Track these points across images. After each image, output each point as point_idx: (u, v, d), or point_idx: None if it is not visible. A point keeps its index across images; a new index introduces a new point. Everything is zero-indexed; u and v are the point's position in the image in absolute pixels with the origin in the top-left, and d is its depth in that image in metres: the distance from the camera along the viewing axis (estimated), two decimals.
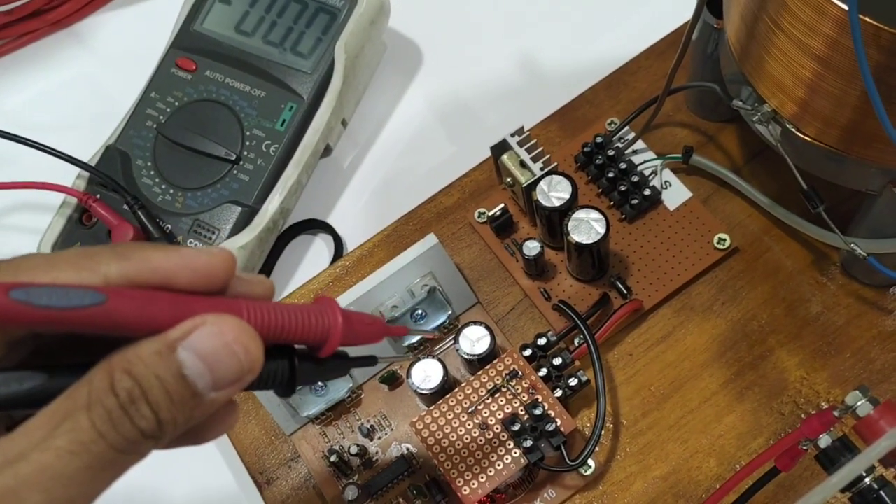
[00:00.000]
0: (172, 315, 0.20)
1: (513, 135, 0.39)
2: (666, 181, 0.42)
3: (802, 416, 0.37)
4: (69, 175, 0.44)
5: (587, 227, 0.37)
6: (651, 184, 0.41)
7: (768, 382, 0.38)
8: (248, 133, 0.44)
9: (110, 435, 0.19)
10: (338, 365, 0.27)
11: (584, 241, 0.37)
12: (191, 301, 0.21)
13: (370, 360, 0.29)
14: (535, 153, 0.39)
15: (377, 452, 0.38)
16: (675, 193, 0.42)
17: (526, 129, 0.45)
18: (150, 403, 0.20)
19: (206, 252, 0.22)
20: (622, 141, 0.43)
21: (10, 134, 0.45)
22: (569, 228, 0.37)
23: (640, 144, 0.43)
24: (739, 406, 0.38)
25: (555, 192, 0.38)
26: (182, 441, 0.23)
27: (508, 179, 0.40)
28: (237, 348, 0.21)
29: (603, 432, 0.38)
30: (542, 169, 0.39)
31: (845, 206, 0.39)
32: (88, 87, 0.52)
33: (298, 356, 0.25)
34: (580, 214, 0.37)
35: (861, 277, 0.39)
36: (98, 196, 0.43)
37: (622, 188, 0.41)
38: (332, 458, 0.38)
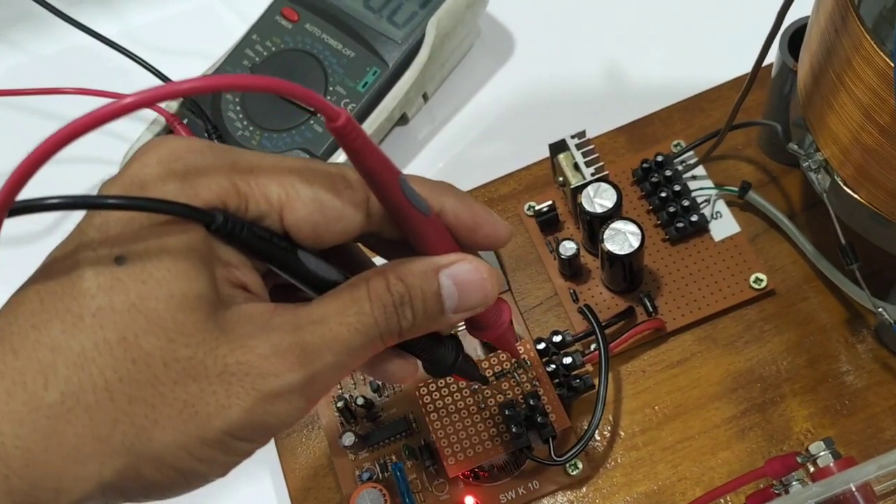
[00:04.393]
0: (445, 249, 0.26)
1: (573, 136, 0.40)
2: (717, 212, 0.42)
3: None
4: None
5: (622, 238, 0.38)
6: (701, 211, 0.42)
7: (772, 428, 0.38)
8: (331, 88, 0.46)
9: (382, 324, 0.24)
10: (473, 369, 0.32)
11: (617, 252, 0.38)
12: (456, 248, 0.26)
13: (484, 380, 0.35)
14: (590, 158, 0.40)
15: (382, 409, 0.40)
16: (724, 225, 0.42)
17: (596, 136, 0.46)
18: (412, 307, 0.25)
19: (506, 227, 0.28)
20: (683, 164, 0.43)
21: (127, 51, 0.49)
22: (604, 237, 0.38)
23: (700, 171, 0.43)
24: (738, 444, 0.38)
25: (600, 199, 0.39)
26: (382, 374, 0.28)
27: (560, 179, 0.41)
28: (486, 286, 0.26)
29: (599, 439, 0.39)
30: (593, 174, 0.39)
31: (893, 272, 0.38)
32: (207, 21, 0.55)
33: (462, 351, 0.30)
34: (618, 225, 0.38)
35: (891, 346, 0.39)
36: (185, 121, 0.47)
37: (671, 209, 0.42)
38: (339, 405, 0.40)
